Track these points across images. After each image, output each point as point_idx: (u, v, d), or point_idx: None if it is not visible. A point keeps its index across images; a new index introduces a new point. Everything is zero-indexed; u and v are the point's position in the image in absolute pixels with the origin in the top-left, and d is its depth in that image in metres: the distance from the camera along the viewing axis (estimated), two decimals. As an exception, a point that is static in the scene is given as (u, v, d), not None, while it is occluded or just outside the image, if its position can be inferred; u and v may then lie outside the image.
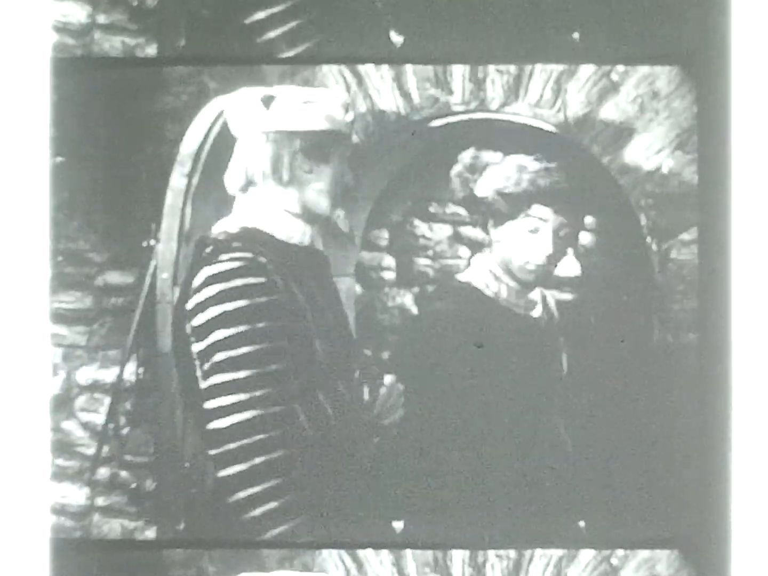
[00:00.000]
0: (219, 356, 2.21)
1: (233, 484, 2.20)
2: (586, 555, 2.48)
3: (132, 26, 2.56)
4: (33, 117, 2.48)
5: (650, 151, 2.55)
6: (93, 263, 2.56)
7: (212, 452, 2.23)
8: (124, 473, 2.52)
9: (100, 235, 2.56)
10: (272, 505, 2.22)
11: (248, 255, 2.26)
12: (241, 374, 2.19)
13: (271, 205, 2.38)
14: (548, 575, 2.47)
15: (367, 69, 2.59)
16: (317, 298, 2.36)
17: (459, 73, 2.59)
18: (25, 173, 2.48)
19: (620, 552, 2.48)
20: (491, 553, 2.48)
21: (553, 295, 2.71)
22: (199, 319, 2.25)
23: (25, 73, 2.48)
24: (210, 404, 2.22)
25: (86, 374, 2.54)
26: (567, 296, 2.71)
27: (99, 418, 2.52)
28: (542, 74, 2.57)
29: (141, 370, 2.50)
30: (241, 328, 2.20)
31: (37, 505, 2.41)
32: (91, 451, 2.51)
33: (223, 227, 2.38)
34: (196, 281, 2.27)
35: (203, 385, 2.23)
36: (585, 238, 2.71)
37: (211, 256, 2.28)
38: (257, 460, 2.18)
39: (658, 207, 2.55)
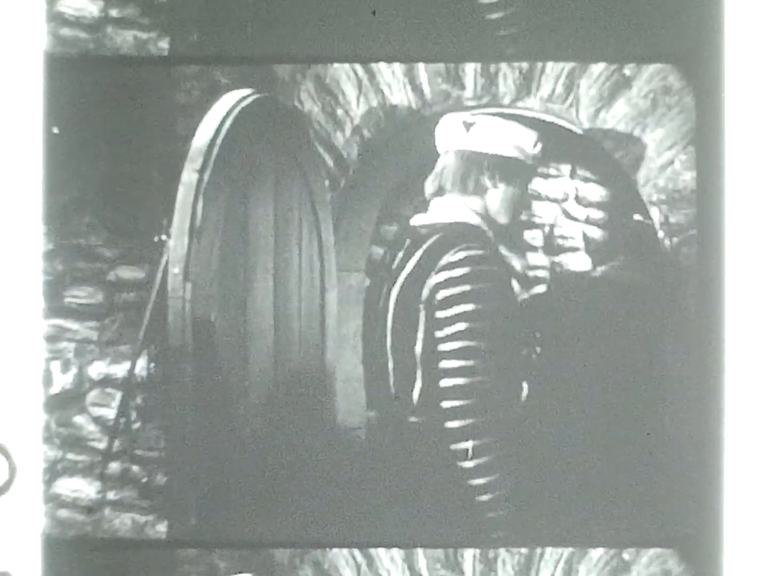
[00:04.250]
0: (460, 326, 2.49)
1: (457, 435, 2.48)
2: (597, 551, 2.48)
3: (144, 21, 2.56)
4: (45, 113, 2.49)
5: (663, 146, 2.55)
6: (104, 258, 2.57)
7: (443, 405, 2.51)
8: (135, 468, 2.52)
9: (112, 231, 2.56)
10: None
11: (481, 252, 2.54)
12: (473, 343, 2.49)
13: (458, 208, 2.59)
14: (560, 571, 2.47)
15: (378, 65, 2.59)
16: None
17: (471, 68, 2.58)
18: (34, 169, 2.49)
19: (631, 548, 2.48)
20: (502, 548, 2.47)
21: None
22: (443, 294, 2.51)
23: (34, 69, 2.49)
24: (444, 364, 2.49)
25: (98, 369, 2.55)
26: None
27: (110, 413, 2.53)
28: (554, 69, 2.56)
29: (152, 365, 2.51)
30: (480, 306, 2.49)
31: (32, 501, 2.43)
32: (102, 445, 2.52)
33: (420, 221, 2.60)
34: (443, 261, 2.54)
35: (441, 347, 2.50)
36: (596, 233, 2.71)
37: (442, 245, 2.57)
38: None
39: (670, 202, 2.55)
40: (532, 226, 2.74)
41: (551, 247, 2.74)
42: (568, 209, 2.73)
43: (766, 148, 2.42)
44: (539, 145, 2.60)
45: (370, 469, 2.54)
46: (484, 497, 2.45)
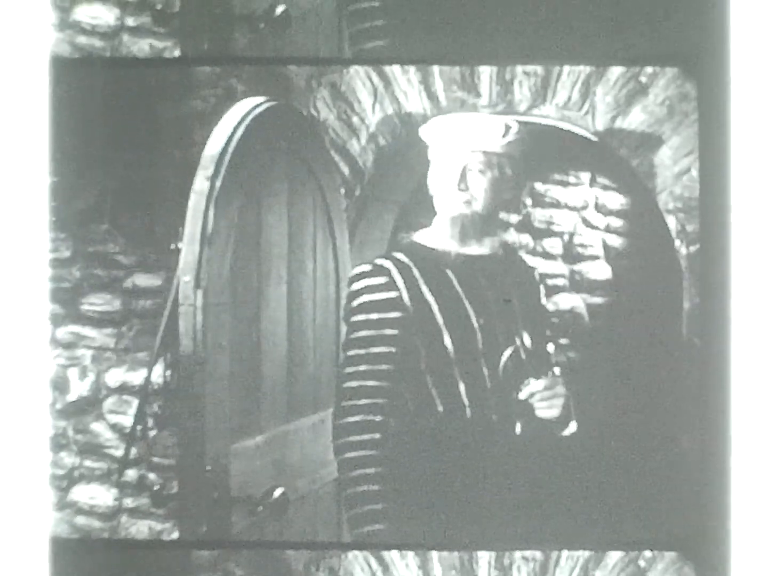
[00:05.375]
0: (348, 338, 2.54)
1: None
2: (614, 557, 2.48)
3: (159, 29, 2.57)
4: (60, 120, 2.50)
5: (679, 153, 2.54)
6: (121, 266, 2.58)
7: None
8: (152, 475, 2.53)
9: (128, 238, 2.57)
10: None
11: (377, 262, 2.56)
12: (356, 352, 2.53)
13: (449, 216, 2.56)
14: (575, 578, 2.48)
15: (394, 71, 2.59)
16: (478, 299, 2.56)
17: (486, 75, 2.58)
18: (47, 177, 2.50)
19: (648, 554, 2.48)
20: (517, 555, 2.48)
21: (584, 299, 2.70)
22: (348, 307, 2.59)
23: (49, 76, 2.51)
24: (345, 385, 2.53)
25: (115, 376, 2.55)
26: (598, 300, 2.70)
27: (127, 420, 2.54)
28: (570, 76, 2.56)
29: (168, 372, 2.52)
30: (359, 318, 2.53)
31: (38, 505, 2.44)
32: (119, 452, 2.53)
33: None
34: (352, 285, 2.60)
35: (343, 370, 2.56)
36: (616, 241, 2.70)
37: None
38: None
39: (687, 210, 2.54)
40: (551, 234, 2.73)
41: (570, 255, 2.73)
42: (587, 217, 2.73)
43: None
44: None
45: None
46: None
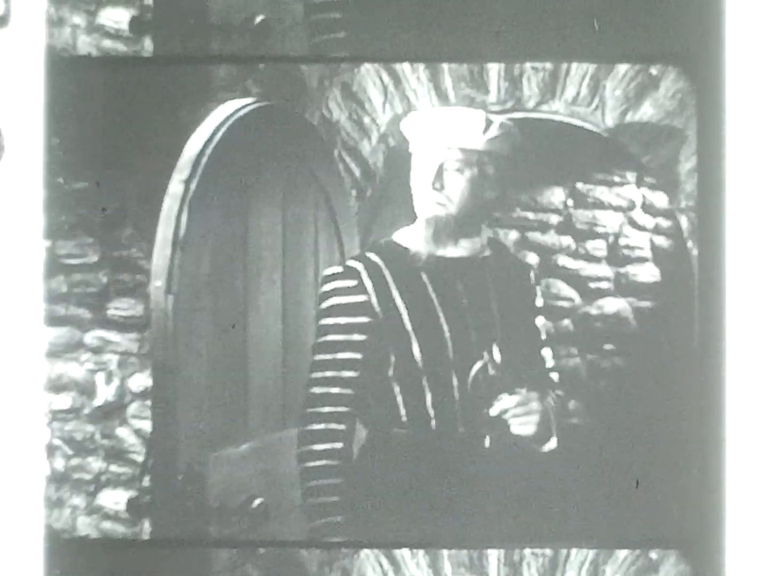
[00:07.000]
0: (316, 341, 2.48)
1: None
2: (623, 552, 2.51)
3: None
4: (86, 123, 2.56)
5: (690, 149, 2.47)
6: (144, 270, 2.64)
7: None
8: (172, 480, 2.62)
9: (151, 243, 2.63)
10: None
11: (348, 263, 2.51)
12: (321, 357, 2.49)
13: (423, 218, 2.50)
14: (585, 573, 2.52)
15: (404, 68, 2.57)
16: (452, 306, 2.48)
17: (495, 71, 2.54)
18: (73, 181, 2.58)
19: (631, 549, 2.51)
20: (527, 551, 2.53)
21: (630, 303, 2.66)
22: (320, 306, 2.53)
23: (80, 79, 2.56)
24: (310, 390, 2.49)
25: (138, 381, 2.63)
26: (646, 303, 2.66)
27: (149, 426, 2.61)
28: (579, 71, 2.50)
29: (186, 378, 2.58)
30: (328, 321, 2.49)
31: (34, 505, 2.53)
32: (141, 458, 2.61)
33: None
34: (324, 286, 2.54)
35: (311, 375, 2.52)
36: (665, 242, 2.64)
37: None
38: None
39: (698, 209, 2.48)
40: (595, 236, 2.67)
41: (616, 257, 2.68)
42: (634, 218, 2.65)
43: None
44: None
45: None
46: None
